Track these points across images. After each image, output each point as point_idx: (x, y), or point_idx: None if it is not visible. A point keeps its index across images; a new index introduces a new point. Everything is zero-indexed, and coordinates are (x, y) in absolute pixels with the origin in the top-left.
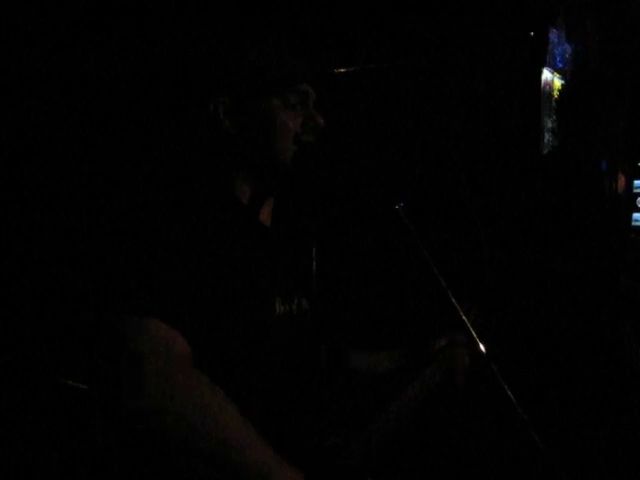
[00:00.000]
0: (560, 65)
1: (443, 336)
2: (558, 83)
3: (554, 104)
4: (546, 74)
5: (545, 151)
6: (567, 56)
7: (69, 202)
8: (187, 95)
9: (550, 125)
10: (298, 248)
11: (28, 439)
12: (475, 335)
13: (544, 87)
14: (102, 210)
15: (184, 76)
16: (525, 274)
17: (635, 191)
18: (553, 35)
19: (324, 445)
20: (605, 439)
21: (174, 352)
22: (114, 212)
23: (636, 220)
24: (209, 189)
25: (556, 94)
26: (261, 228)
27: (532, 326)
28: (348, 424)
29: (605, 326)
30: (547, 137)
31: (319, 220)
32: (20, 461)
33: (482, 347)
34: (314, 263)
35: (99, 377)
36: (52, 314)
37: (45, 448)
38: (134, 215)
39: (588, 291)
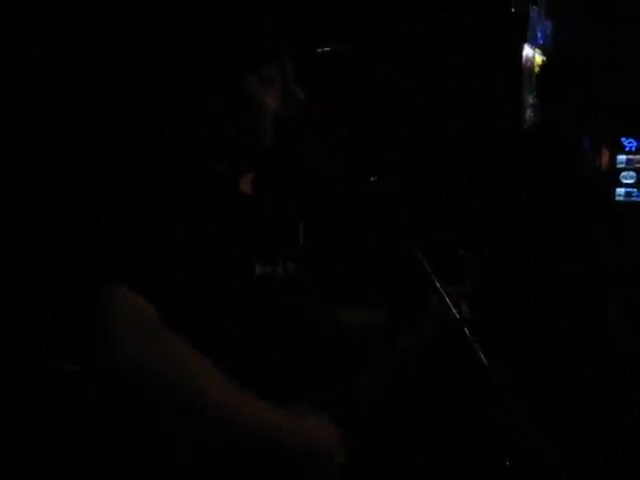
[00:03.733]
0: (541, 42)
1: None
2: (539, 59)
3: (535, 80)
4: (527, 50)
5: (526, 126)
6: (548, 32)
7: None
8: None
9: (531, 101)
10: (281, 214)
11: (25, 439)
12: (448, 300)
13: (525, 63)
14: (79, 191)
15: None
16: (520, 270)
17: (618, 166)
18: (533, 11)
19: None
20: (605, 439)
21: (142, 316)
22: (88, 192)
23: (619, 195)
24: (182, 163)
25: (537, 70)
26: (239, 197)
27: (531, 325)
28: (337, 378)
29: (604, 325)
30: (528, 113)
31: (303, 189)
32: (18, 461)
33: (455, 312)
34: (301, 228)
35: (79, 346)
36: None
37: (43, 447)
38: (104, 192)
39: (585, 289)
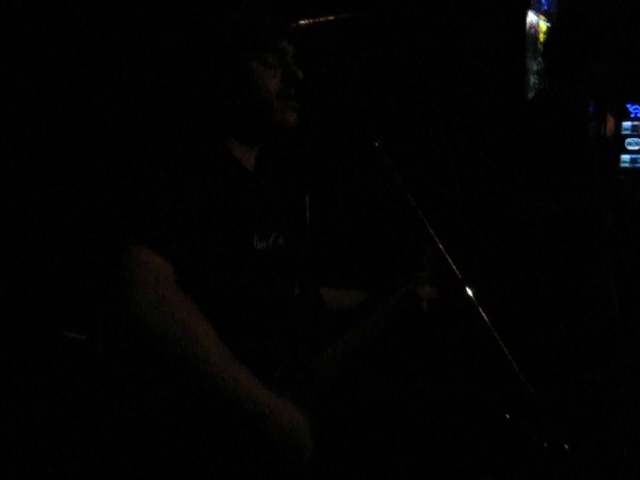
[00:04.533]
0: (545, 8)
1: (406, 274)
2: (544, 26)
3: (540, 47)
4: (531, 17)
5: (531, 94)
6: None
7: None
8: (177, 62)
9: (536, 68)
10: (277, 190)
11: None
12: (452, 262)
13: (529, 30)
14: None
15: (172, 45)
16: (507, 213)
17: (623, 133)
18: None
19: (289, 363)
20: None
21: (162, 276)
22: (115, 161)
23: (624, 161)
24: (196, 140)
25: (542, 37)
26: (244, 172)
27: (515, 266)
28: (312, 347)
29: (588, 269)
30: (532, 80)
31: (308, 164)
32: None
33: (457, 272)
34: (307, 203)
35: (100, 299)
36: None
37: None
38: (130, 163)
39: (571, 229)
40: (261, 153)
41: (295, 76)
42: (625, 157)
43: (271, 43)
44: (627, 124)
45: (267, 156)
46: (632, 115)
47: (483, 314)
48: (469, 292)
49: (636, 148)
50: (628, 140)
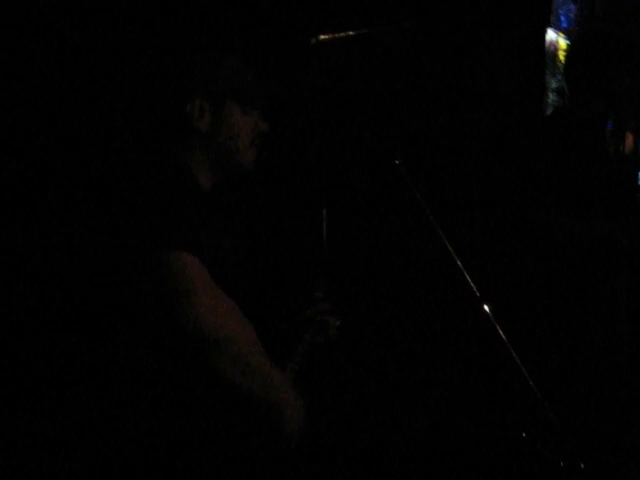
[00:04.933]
0: (565, 25)
1: (312, 307)
2: (563, 43)
3: (559, 64)
4: (550, 34)
5: (549, 112)
6: (572, 16)
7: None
8: (169, 94)
9: (554, 85)
10: (228, 218)
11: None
12: (472, 282)
13: (548, 47)
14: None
15: (168, 79)
16: (522, 230)
17: None
18: None
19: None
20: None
21: (205, 273)
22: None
23: None
24: (181, 174)
25: (561, 54)
26: (198, 192)
27: (528, 285)
28: None
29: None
30: (551, 97)
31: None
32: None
33: (475, 289)
34: (324, 213)
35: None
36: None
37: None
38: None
39: (588, 250)
40: (219, 181)
41: (262, 128)
42: None
43: (250, 95)
44: None
45: (223, 185)
46: None
47: (500, 332)
48: (486, 309)
49: None
50: None
